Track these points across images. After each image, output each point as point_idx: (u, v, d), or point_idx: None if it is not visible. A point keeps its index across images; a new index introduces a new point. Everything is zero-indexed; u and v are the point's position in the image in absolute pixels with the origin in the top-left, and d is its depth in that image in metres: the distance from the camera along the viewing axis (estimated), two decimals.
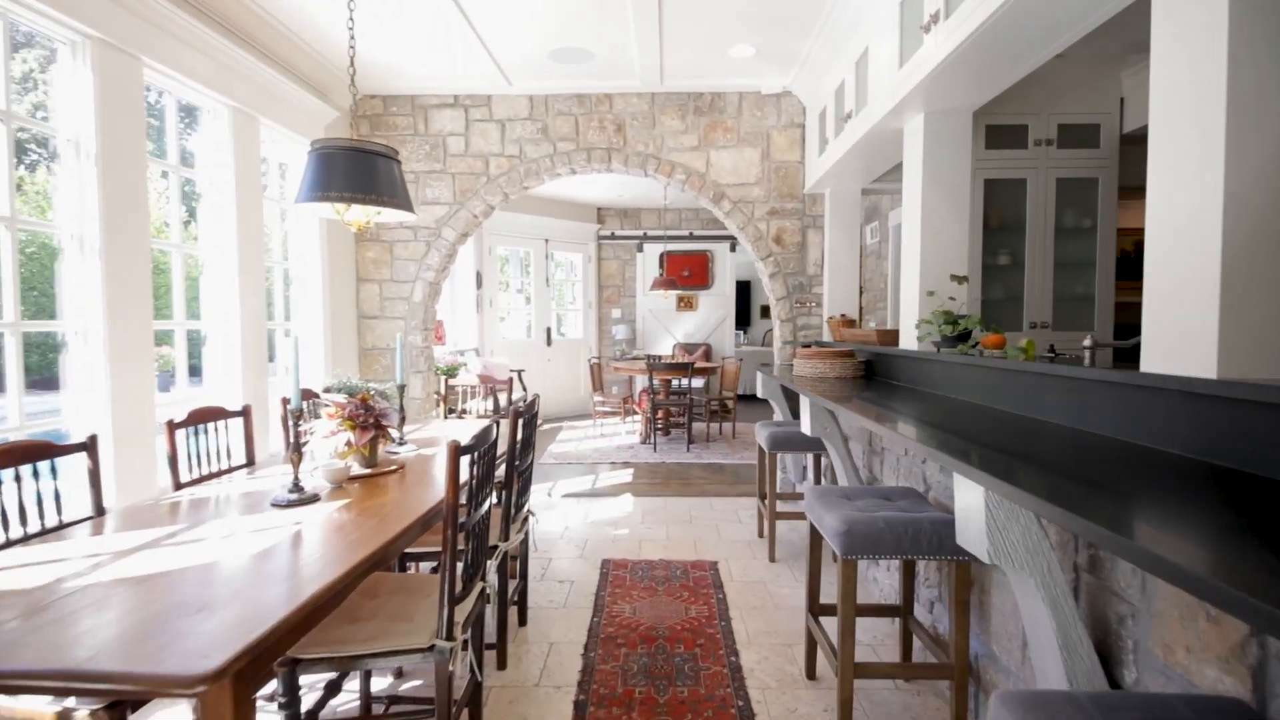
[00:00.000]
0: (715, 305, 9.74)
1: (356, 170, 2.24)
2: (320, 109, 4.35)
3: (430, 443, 2.91)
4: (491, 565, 2.44)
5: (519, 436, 2.61)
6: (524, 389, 7.97)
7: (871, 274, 6.54)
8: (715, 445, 6.81)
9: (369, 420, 2.25)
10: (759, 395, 4.55)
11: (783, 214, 4.76)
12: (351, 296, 4.84)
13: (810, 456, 4.10)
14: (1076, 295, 4.35)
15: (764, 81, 4.59)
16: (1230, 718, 1.02)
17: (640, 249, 9.49)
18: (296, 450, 1.97)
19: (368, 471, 2.28)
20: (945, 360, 2.67)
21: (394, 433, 2.62)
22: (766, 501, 3.69)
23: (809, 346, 4.52)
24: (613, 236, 9.37)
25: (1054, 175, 4.27)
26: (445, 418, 3.82)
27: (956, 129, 2.87)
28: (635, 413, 7.80)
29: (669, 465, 5.93)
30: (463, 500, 1.89)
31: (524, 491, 2.79)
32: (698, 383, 8.62)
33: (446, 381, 3.89)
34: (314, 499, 1.97)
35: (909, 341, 3.05)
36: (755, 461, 6.01)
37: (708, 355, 9.53)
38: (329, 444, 2.24)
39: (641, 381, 7.95)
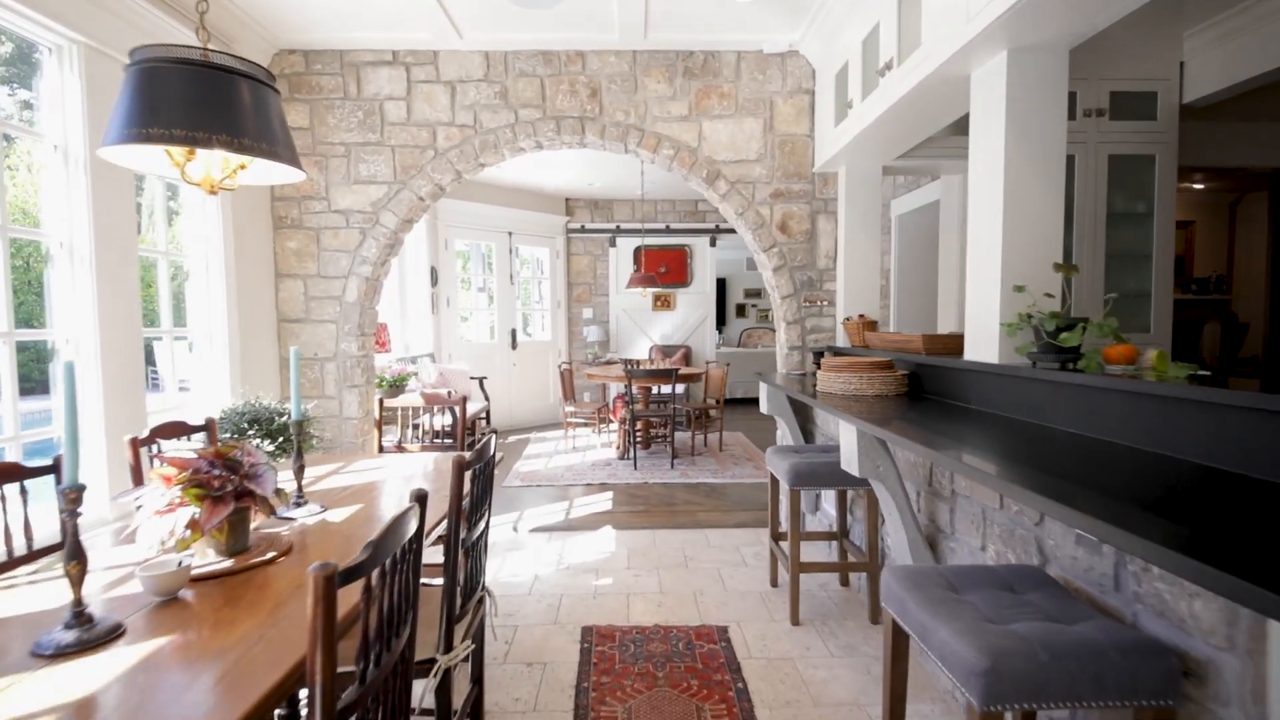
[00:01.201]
0: (695, 304, 9.03)
1: (203, 97, 1.43)
2: None
3: (349, 496, 2.11)
4: (427, 689, 1.67)
5: (467, 494, 1.84)
6: (486, 398, 7.14)
7: None
8: (701, 460, 6.09)
9: (227, 487, 1.45)
10: (763, 411, 3.84)
11: (789, 196, 4.05)
12: (269, 295, 3.97)
13: (834, 490, 3.40)
14: (1129, 292, 3.75)
15: (767, 37, 3.87)
16: None
17: (613, 243, 8.71)
18: (74, 554, 1.16)
19: (227, 566, 1.47)
20: (1045, 378, 1.98)
21: (279, 498, 1.80)
22: (786, 547, 2.98)
23: (824, 354, 3.83)
24: (583, 230, 8.58)
25: (1105, 151, 3.65)
26: (380, 450, 3.00)
27: (1051, 71, 2.18)
28: (610, 421, 7.04)
29: (653, 487, 5.18)
30: (373, 616, 1.11)
31: (477, 566, 2.01)
32: (678, 389, 7.89)
33: (382, 402, 3.08)
34: (112, 635, 1.17)
35: (981, 351, 2.36)
36: (749, 479, 5.31)
37: (687, 358, 8.82)
38: (164, 525, 1.43)
39: (616, 387, 7.18)
